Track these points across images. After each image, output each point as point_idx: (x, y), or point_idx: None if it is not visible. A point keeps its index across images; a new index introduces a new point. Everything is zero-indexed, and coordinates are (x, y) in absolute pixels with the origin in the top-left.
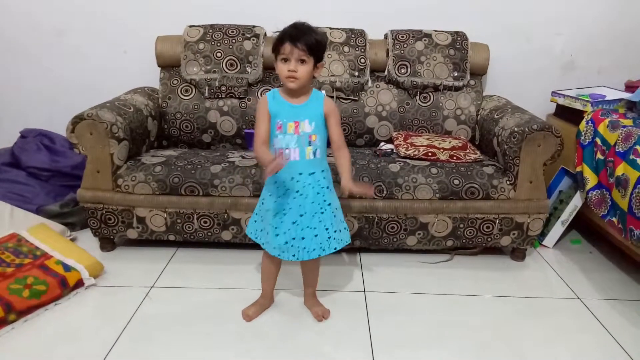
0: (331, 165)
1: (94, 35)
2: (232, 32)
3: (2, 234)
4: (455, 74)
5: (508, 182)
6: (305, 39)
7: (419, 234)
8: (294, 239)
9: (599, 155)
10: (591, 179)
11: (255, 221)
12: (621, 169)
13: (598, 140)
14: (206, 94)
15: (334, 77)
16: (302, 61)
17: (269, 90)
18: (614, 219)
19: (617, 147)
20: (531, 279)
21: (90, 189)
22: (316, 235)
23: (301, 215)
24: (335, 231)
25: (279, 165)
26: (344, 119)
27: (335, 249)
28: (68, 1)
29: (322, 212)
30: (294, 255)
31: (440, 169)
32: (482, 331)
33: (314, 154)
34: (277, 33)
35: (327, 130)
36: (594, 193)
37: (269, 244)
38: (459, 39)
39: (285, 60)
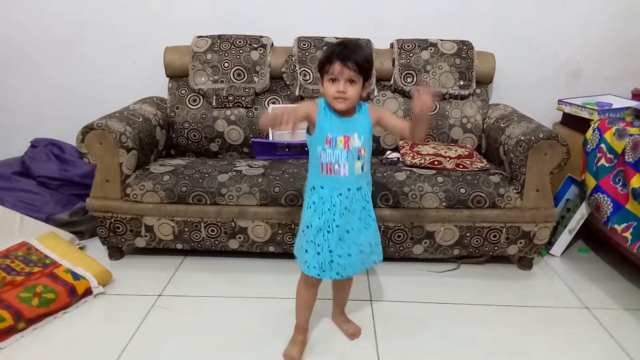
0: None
1: (103, 46)
2: (240, 42)
3: (12, 242)
4: (461, 83)
5: (515, 191)
6: (356, 58)
7: (425, 242)
8: (340, 256)
9: (603, 162)
10: (590, 184)
11: (299, 239)
12: (636, 181)
13: (604, 146)
14: (214, 104)
15: None
16: (352, 81)
17: (277, 100)
18: (616, 225)
19: (625, 156)
20: (538, 288)
21: (99, 198)
22: (361, 252)
23: (348, 232)
24: (377, 244)
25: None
26: None
27: (374, 262)
28: (77, 13)
29: (366, 228)
30: (337, 274)
31: (447, 177)
32: (489, 341)
33: (362, 168)
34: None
35: (390, 129)
36: (593, 198)
37: (305, 264)
38: (464, 48)
39: (334, 80)
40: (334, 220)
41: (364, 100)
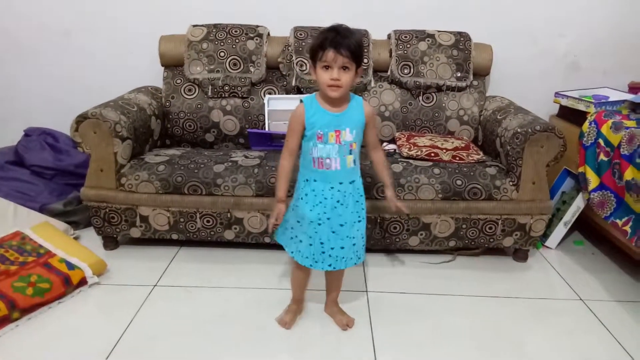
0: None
1: (98, 35)
2: (236, 31)
3: (6, 232)
4: (459, 75)
5: (511, 183)
6: (348, 44)
7: (421, 234)
8: (332, 248)
9: (602, 157)
10: (593, 180)
11: (286, 228)
12: (630, 173)
13: (601, 141)
14: (209, 94)
15: None
16: (345, 68)
17: (273, 90)
18: (618, 220)
19: (621, 149)
20: (533, 280)
21: (94, 188)
22: (354, 245)
23: (341, 225)
24: (364, 237)
25: (280, 215)
26: None
27: (363, 256)
28: (73, 1)
29: (359, 221)
30: (330, 265)
31: (443, 169)
32: (484, 332)
33: (354, 162)
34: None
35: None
36: (596, 194)
37: (299, 253)
38: (462, 39)
39: (327, 67)
40: (324, 213)
41: (359, 90)
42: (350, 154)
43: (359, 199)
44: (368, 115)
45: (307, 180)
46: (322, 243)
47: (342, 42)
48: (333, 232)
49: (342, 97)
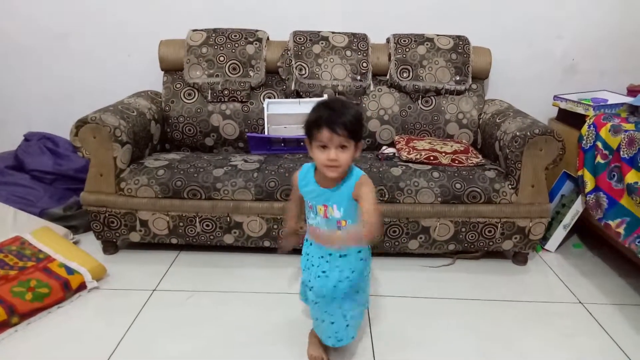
0: None
1: (97, 39)
2: (235, 36)
3: (6, 236)
4: (457, 78)
5: (510, 186)
6: (344, 122)
7: (420, 238)
8: (316, 319)
9: (599, 159)
10: (589, 182)
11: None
12: (632, 177)
13: (599, 144)
14: (209, 98)
15: (336, 81)
16: (343, 147)
17: (272, 94)
18: (610, 222)
19: (621, 152)
20: (533, 283)
21: (94, 192)
22: (332, 323)
23: (323, 297)
24: (352, 317)
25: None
26: None
27: (352, 338)
28: (72, 5)
29: (342, 299)
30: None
31: (442, 173)
32: (484, 335)
33: None
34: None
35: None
36: (591, 196)
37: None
38: (461, 43)
39: (323, 147)
40: (309, 281)
41: (359, 94)
42: (339, 229)
43: (349, 274)
44: (357, 193)
45: (307, 240)
46: (316, 318)
47: (337, 120)
48: (315, 303)
49: (341, 175)
